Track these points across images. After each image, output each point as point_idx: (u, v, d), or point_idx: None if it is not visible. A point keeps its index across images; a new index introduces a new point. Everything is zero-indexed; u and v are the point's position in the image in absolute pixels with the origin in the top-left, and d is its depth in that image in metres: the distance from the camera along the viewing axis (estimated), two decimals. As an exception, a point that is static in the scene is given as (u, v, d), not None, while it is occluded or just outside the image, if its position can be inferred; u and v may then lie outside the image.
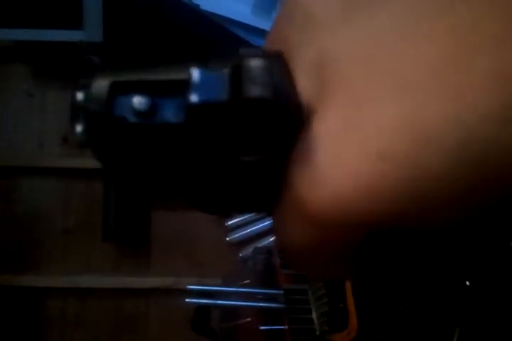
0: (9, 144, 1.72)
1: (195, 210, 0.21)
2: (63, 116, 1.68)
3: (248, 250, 1.42)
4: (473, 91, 0.14)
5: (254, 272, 0.92)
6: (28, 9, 1.40)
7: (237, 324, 0.85)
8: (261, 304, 0.75)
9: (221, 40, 1.34)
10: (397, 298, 0.49)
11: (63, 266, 1.76)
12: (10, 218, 1.73)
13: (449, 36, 0.15)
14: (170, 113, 0.18)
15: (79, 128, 0.19)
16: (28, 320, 1.75)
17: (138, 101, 0.18)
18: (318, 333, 0.64)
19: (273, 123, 0.17)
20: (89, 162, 1.67)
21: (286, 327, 0.68)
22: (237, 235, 1.52)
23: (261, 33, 1.23)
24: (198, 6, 1.18)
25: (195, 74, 0.18)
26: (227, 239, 1.51)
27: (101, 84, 0.19)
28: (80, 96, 0.19)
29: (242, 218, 1.50)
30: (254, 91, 0.17)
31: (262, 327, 0.72)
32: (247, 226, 1.51)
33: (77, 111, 0.19)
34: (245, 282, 0.91)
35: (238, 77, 0.18)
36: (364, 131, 0.15)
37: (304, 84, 0.18)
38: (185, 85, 0.18)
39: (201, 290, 0.77)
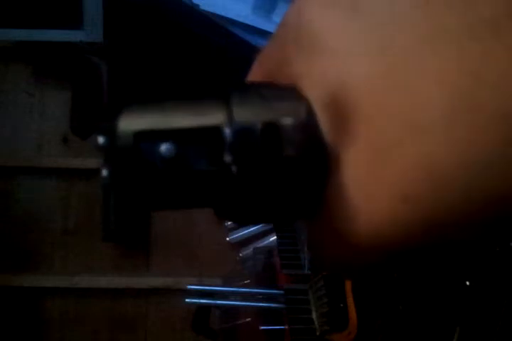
0: (9, 144, 1.72)
1: (195, 210, 0.22)
2: (63, 116, 1.68)
3: (248, 250, 1.42)
4: (480, 132, 0.15)
5: (254, 272, 0.92)
6: (28, 9, 1.40)
7: (237, 324, 0.85)
8: (261, 304, 0.74)
9: (221, 40, 1.34)
10: (397, 298, 0.49)
11: (63, 266, 1.76)
12: (10, 218, 1.73)
13: (456, 73, 0.16)
14: (197, 160, 0.19)
15: (105, 172, 0.20)
16: (28, 319, 1.74)
17: (165, 148, 0.19)
18: (318, 333, 0.64)
19: (306, 174, 0.19)
20: (89, 162, 1.67)
21: (286, 327, 0.67)
22: (237, 235, 1.51)
23: (261, 32, 1.23)
24: (197, 5, 1.18)
25: (227, 132, 0.19)
26: (227, 239, 1.51)
27: (126, 133, 0.19)
28: (101, 140, 0.19)
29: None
30: (291, 151, 0.18)
31: (262, 327, 0.72)
32: (247, 227, 1.51)
33: (101, 154, 0.19)
34: (245, 282, 0.91)
35: (272, 135, 0.18)
36: (387, 175, 0.17)
37: (323, 120, 0.19)
38: (212, 131, 0.19)
39: (201, 290, 0.77)
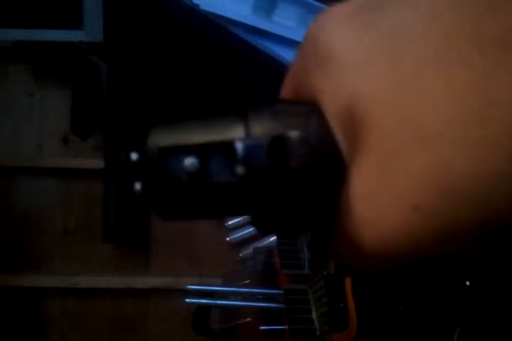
0: (9, 144, 1.72)
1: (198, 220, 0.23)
2: (63, 116, 1.68)
3: (248, 250, 1.42)
4: (489, 147, 0.15)
5: (255, 272, 0.92)
6: (28, 9, 1.40)
7: (237, 324, 0.85)
8: (261, 304, 0.75)
9: (221, 40, 1.34)
10: (397, 298, 0.49)
11: (63, 266, 1.76)
12: (10, 218, 1.73)
13: (465, 88, 0.16)
14: (218, 172, 0.21)
15: (138, 186, 0.21)
16: (28, 320, 1.74)
17: (188, 163, 0.20)
18: (318, 333, 0.64)
19: (315, 185, 0.20)
20: (89, 162, 1.67)
21: (287, 327, 0.68)
22: (237, 235, 1.51)
23: (261, 33, 1.23)
24: (197, 5, 1.17)
25: (239, 146, 0.20)
26: (228, 239, 1.51)
27: (152, 149, 0.21)
28: (134, 156, 0.21)
29: (242, 218, 1.50)
30: (295, 162, 0.20)
31: (262, 327, 0.72)
32: (247, 227, 1.51)
33: (133, 171, 0.21)
34: (245, 282, 0.91)
35: (279, 147, 0.20)
36: (398, 186, 0.17)
37: (338, 133, 0.20)
38: (230, 145, 0.20)
39: (201, 290, 0.77)
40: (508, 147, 0.15)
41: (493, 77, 0.15)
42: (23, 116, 1.72)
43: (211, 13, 1.19)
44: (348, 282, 0.59)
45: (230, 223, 1.52)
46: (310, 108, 0.21)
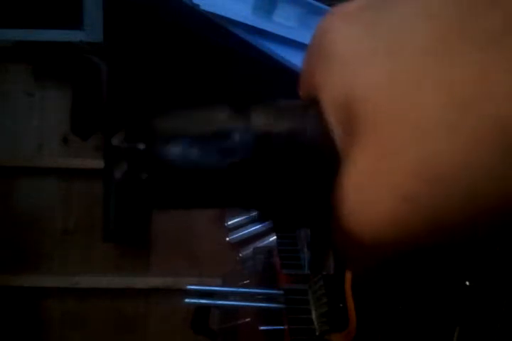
0: (9, 144, 1.72)
1: (195, 211, 0.23)
2: (63, 117, 1.68)
3: (248, 250, 1.42)
4: (481, 139, 0.16)
5: (254, 272, 0.92)
6: (27, 9, 1.40)
7: (237, 324, 0.85)
8: (261, 304, 0.75)
9: (221, 41, 1.34)
10: (396, 297, 0.49)
11: (63, 266, 1.76)
12: (10, 218, 1.73)
13: (459, 82, 0.17)
14: (215, 160, 0.21)
15: (118, 173, 0.21)
16: (28, 320, 1.74)
17: (182, 151, 0.21)
18: (317, 333, 0.64)
19: (308, 175, 0.21)
20: (89, 162, 1.67)
21: (286, 327, 0.68)
22: (237, 235, 1.52)
23: (261, 33, 1.23)
24: (197, 5, 1.17)
25: (236, 136, 0.21)
26: (227, 239, 1.51)
27: (152, 136, 0.21)
28: (141, 146, 0.21)
29: (242, 218, 1.50)
30: (288, 154, 0.20)
31: (262, 327, 0.72)
32: (247, 226, 1.51)
33: (117, 156, 0.21)
34: (245, 282, 0.91)
35: (274, 139, 0.21)
36: (390, 177, 0.18)
37: (335, 127, 0.20)
38: (223, 135, 0.21)
39: (201, 290, 0.77)
40: (499, 140, 0.16)
41: (488, 72, 0.16)
42: (23, 116, 1.72)
43: (211, 13, 1.19)
44: (347, 282, 0.59)
45: (229, 223, 1.52)
46: (308, 103, 0.21)
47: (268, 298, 0.74)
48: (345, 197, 0.20)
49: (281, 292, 0.72)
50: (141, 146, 0.21)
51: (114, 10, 1.38)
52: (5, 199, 1.73)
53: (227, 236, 1.51)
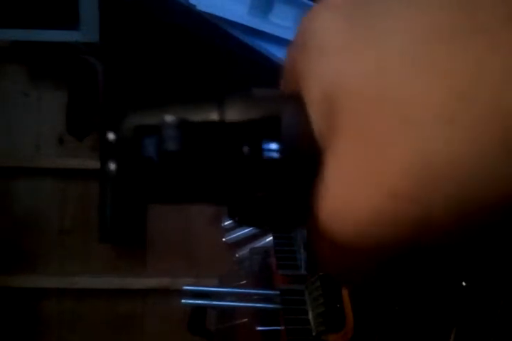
0: (5, 145, 1.72)
1: (192, 211, 0.23)
2: (59, 117, 1.68)
3: (245, 251, 1.42)
4: (478, 131, 0.15)
5: (251, 273, 0.92)
6: (24, 9, 1.39)
7: (234, 324, 0.85)
8: (257, 305, 0.74)
9: (217, 41, 1.33)
10: (393, 298, 0.49)
11: (60, 266, 1.75)
12: (7, 219, 1.72)
13: (455, 72, 0.16)
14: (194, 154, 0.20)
15: (112, 166, 0.21)
16: (25, 320, 1.74)
17: (163, 142, 0.20)
18: (314, 334, 0.64)
19: (287, 169, 0.20)
20: (86, 162, 1.67)
21: (283, 327, 0.67)
22: (234, 235, 1.51)
23: (257, 33, 1.23)
24: (194, 6, 1.17)
25: (209, 128, 0.20)
26: (224, 239, 1.51)
27: (129, 128, 0.21)
28: (111, 136, 0.21)
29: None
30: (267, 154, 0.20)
31: (259, 328, 0.72)
32: (243, 227, 1.51)
33: (109, 150, 0.21)
34: (242, 283, 0.91)
35: (251, 132, 0.20)
36: (375, 170, 0.17)
37: (316, 119, 0.19)
38: (195, 126, 0.20)
39: (197, 290, 0.77)
40: (494, 131, 0.15)
41: (484, 61, 0.15)
42: (19, 117, 1.72)
43: (207, 14, 1.19)
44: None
45: (226, 223, 1.51)
46: (286, 94, 0.21)
47: (265, 299, 0.74)
48: (325, 194, 0.18)
49: (277, 292, 0.72)
50: (112, 137, 0.21)
51: (110, 10, 1.38)
52: (2, 200, 1.72)
53: (224, 237, 1.51)
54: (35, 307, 1.75)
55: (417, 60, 0.16)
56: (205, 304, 0.78)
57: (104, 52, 1.48)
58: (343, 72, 0.18)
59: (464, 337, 0.44)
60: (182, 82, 1.50)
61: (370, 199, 0.17)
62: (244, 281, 0.91)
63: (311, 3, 1.22)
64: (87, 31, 1.35)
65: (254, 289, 0.80)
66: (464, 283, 0.43)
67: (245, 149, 0.20)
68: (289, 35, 1.23)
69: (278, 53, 1.24)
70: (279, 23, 1.24)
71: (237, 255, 1.43)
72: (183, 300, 0.75)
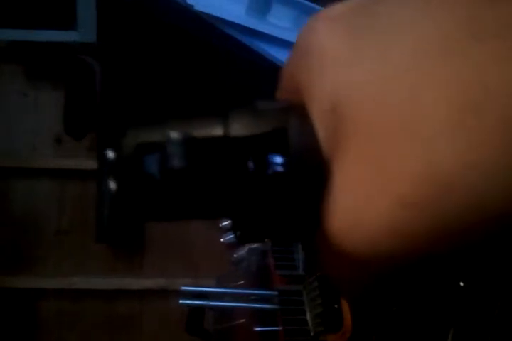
0: (2, 145, 1.71)
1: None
2: (56, 117, 1.68)
3: (242, 251, 1.42)
4: (485, 141, 0.15)
5: (249, 273, 0.92)
6: (21, 10, 1.39)
7: (232, 325, 0.85)
8: (255, 305, 0.74)
9: (215, 41, 1.33)
10: (391, 298, 0.49)
11: (58, 267, 1.75)
12: (4, 220, 1.72)
13: (459, 77, 0.15)
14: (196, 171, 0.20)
15: (112, 185, 0.20)
16: (23, 321, 1.74)
17: (168, 159, 0.20)
18: (312, 334, 0.64)
19: (294, 182, 0.19)
20: (83, 163, 1.66)
21: (281, 328, 0.67)
22: (232, 236, 1.51)
23: (255, 33, 1.23)
24: (191, 6, 1.17)
25: (214, 144, 0.20)
26: (222, 240, 1.50)
27: (130, 145, 0.20)
28: (110, 154, 0.20)
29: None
30: (272, 168, 0.19)
31: (257, 328, 0.72)
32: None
33: (109, 168, 0.20)
34: (239, 283, 0.91)
35: (258, 146, 0.19)
36: (384, 182, 0.17)
37: (322, 131, 0.19)
38: (200, 142, 0.20)
39: (195, 291, 0.77)
40: (503, 137, 0.15)
41: (488, 67, 0.15)
42: (16, 117, 1.72)
43: (205, 14, 1.19)
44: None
45: (224, 224, 1.51)
46: (291, 106, 0.20)
47: (263, 299, 0.74)
48: (335, 208, 0.18)
49: (275, 293, 0.71)
50: (111, 155, 0.20)
51: (108, 10, 1.38)
52: (-1, 201, 1.72)
53: (222, 237, 1.51)
54: (33, 307, 1.74)
55: (420, 71, 0.16)
56: (203, 304, 0.78)
57: (101, 53, 1.48)
58: (347, 83, 0.18)
59: (462, 338, 0.44)
60: (180, 82, 1.49)
61: (382, 210, 0.17)
62: (242, 282, 0.90)
63: (308, 4, 1.22)
64: (84, 31, 1.35)
65: (252, 289, 0.79)
66: (461, 284, 0.43)
67: (250, 164, 0.19)
68: (286, 36, 1.23)
69: (276, 53, 1.24)
70: (277, 23, 1.24)
71: (234, 255, 1.43)
72: (180, 301, 0.75)
